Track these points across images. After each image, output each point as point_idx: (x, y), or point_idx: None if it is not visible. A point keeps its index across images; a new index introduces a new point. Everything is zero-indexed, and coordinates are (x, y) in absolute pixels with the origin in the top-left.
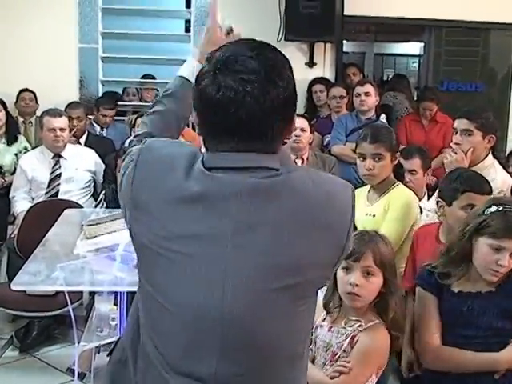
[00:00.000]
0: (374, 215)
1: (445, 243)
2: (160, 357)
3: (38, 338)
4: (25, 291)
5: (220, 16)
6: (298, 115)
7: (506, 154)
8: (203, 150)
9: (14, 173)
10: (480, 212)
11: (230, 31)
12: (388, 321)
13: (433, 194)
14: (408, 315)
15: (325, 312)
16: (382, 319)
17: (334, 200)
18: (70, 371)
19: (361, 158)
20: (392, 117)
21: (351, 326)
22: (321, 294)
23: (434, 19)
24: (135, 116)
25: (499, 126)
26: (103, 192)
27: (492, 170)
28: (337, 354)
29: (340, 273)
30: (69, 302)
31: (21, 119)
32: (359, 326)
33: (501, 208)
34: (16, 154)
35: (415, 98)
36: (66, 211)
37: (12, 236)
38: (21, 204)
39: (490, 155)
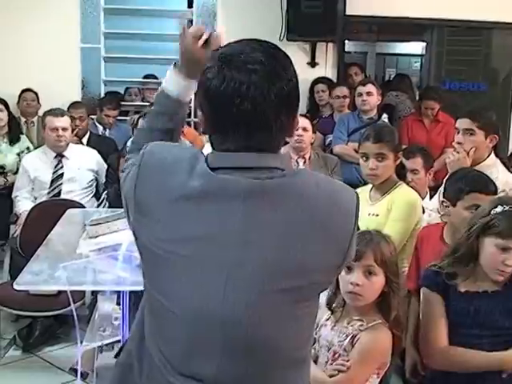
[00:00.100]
0: (377, 215)
1: (449, 244)
2: (164, 359)
3: (41, 338)
4: (28, 291)
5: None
6: (300, 115)
7: (509, 154)
8: (204, 150)
9: (16, 173)
10: (486, 212)
11: (206, 41)
12: (390, 320)
13: (435, 194)
14: (411, 315)
15: (329, 311)
16: (384, 319)
17: (337, 204)
18: (73, 371)
19: (364, 158)
20: (395, 116)
21: (353, 326)
22: (324, 293)
23: (436, 19)
24: (137, 116)
25: (501, 125)
26: (105, 192)
27: (494, 170)
28: (338, 352)
29: (342, 272)
30: (71, 302)
31: (23, 119)
32: (360, 325)
33: (507, 208)
34: (18, 154)
35: (417, 98)
36: (69, 211)
37: (14, 236)
38: (23, 204)
39: (493, 155)
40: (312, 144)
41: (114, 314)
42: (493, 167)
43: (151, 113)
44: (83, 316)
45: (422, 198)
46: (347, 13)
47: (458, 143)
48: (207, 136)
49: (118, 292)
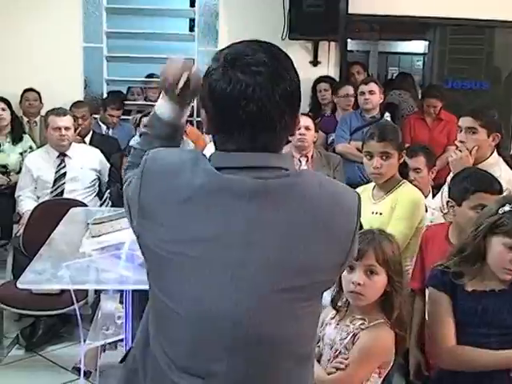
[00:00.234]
0: (380, 213)
1: (455, 244)
2: (168, 360)
3: (44, 337)
4: (30, 290)
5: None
6: (303, 114)
7: (511, 152)
8: (207, 150)
9: (19, 172)
10: (493, 211)
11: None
12: (392, 319)
13: (437, 193)
14: (415, 315)
15: (334, 310)
16: (387, 318)
17: (340, 205)
18: (76, 370)
19: (368, 157)
20: (397, 115)
21: (354, 324)
22: (328, 293)
23: (438, 17)
24: (140, 115)
25: (504, 123)
26: (108, 191)
27: (497, 168)
28: (339, 351)
29: (344, 272)
30: (75, 301)
31: (25, 119)
32: (362, 324)
33: None
34: (21, 154)
35: (420, 97)
36: (72, 210)
37: (17, 235)
38: (26, 203)
39: (495, 153)
40: (314, 143)
41: (117, 313)
42: (495, 166)
43: (146, 136)
44: (86, 315)
45: (425, 197)
46: (349, 11)
47: (461, 142)
48: (210, 135)
49: (121, 291)
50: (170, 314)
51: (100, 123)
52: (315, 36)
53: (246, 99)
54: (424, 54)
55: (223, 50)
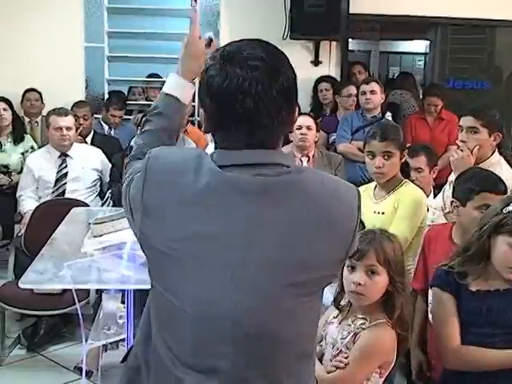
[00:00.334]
0: (383, 213)
1: (458, 244)
2: (173, 357)
3: (46, 337)
4: (32, 290)
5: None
6: (304, 113)
7: None
8: (208, 149)
9: (20, 172)
10: (498, 211)
11: (210, 42)
12: (394, 319)
13: (439, 192)
14: (417, 316)
15: (337, 309)
16: (388, 318)
17: (341, 201)
18: (78, 369)
19: (370, 156)
20: (399, 115)
21: (355, 324)
22: (331, 293)
23: (439, 17)
24: (141, 115)
25: (505, 123)
26: (110, 191)
27: (498, 168)
28: (340, 350)
29: (345, 272)
30: (76, 301)
31: (27, 119)
32: (363, 323)
33: None
34: (22, 154)
35: (421, 96)
36: (73, 210)
37: (19, 235)
38: (28, 203)
39: (496, 153)
40: (316, 142)
41: (119, 313)
42: (497, 165)
43: (152, 114)
44: (88, 315)
45: (427, 196)
46: (351, 11)
47: (462, 141)
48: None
49: (123, 290)
50: (176, 312)
51: (102, 123)
52: (316, 36)
53: (242, 93)
54: (425, 54)
55: (220, 48)
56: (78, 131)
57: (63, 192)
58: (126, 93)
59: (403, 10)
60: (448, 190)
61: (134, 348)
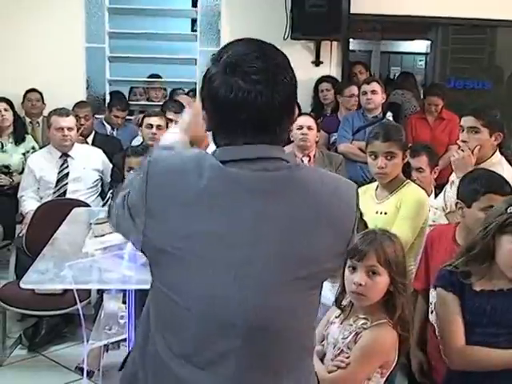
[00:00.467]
0: (385, 213)
1: (462, 245)
2: (174, 356)
3: (47, 337)
4: (33, 290)
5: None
6: (305, 113)
7: None
8: (208, 151)
9: (21, 172)
10: (502, 210)
11: None
12: (395, 319)
13: (440, 192)
14: (417, 316)
15: (339, 309)
16: (389, 318)
17: (341, 196)
18: (79, 369)
19: (372, 157)
20: (400, 115)
21: (357, 324)
22: (332, 292)
23: (440, 17)
24: (142, 115)
25: (506, 123)
26: (111, 191)
27: (499, 168)
28: (341, 349)
29: (346, 272)
30: (77, 301)
31: (28, 119)
32: (364, 323)
33: None
34: (24, 154)
35: (422, 96)
36: (74, 210)
37: (20, 235)
38: (29, 203)
39: (497, 153)
40: (317, 142)
41: (120, 313)
42: (498, 165)
43: None
44: (89, 315)
45: (428, 196)
46: (352, 11)
47: (463, 141)
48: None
49: (124, 290)
50: (180, 311)
51: (105, 123)
52: (317, 36)
53: (248, 105)
54: (426, 54)
55: (222, 51)
56: (79, 131)
57: (64, 192)
58: (127, 93)
59: (404, 10)
60: (449, 190)
61: (132, 353)
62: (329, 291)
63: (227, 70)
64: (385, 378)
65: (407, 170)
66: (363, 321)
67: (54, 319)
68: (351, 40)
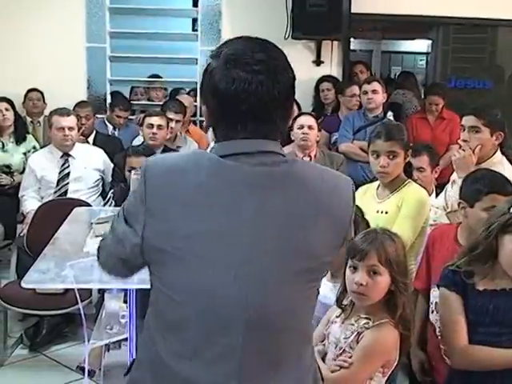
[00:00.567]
0: (386, 212)
1: (464, 245)
2: (174, 355)
3: (48, 337)
4: (34, 289)
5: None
6: (306, 113)
7: None
8: (208, 150)
9: (22, 172)
10: (505, 210)
11: None
12: (396, 319)
13: (441, 192)
14: (417, 315)
15: (340, 309)
16: (391, 317)
17: (338, 191)
18: (80, 369)
19: (374, 156)
20: (401, 115)
21: (359, 323)
22: (333, 292)
23: (441, 16)
24: (143, 115)
25: (507, 122)
26: (112, 191)
27: (500, 167)
28: (343, 349)
29: (348, 272)
30: (79, 300)
31: (29, 119)
32: (366, 323)
33: None
34: (25, 154)
35: (422, 96)
36: (75, 210)
37: (21, 235)
38: (30, 203)
39: (498, 152)
40: (318, 142)
41: (121, 312)
42: (499, 164)
43: None
44: (90, 314)
45: (429, 196)
46: (352, 11)
47: (464, 141)
48: (211, 134)
49: (125, 290)
50: (180, 311)
51: (107, 123)
52: (318, 35)
53: (248, 96)
54: (427, 53)
55: (221, 47)
56: (80, 131)
57: (65, 192)
58: (128, 93)
59: (405, 9)
60: (450, 189)
61: (136, 358)
62: (330, 291)
63: (228, 63)
64: (386, 377)
65: (408, 170)
66: (365, 320)
67: (55, 319)
68: (352, 39)
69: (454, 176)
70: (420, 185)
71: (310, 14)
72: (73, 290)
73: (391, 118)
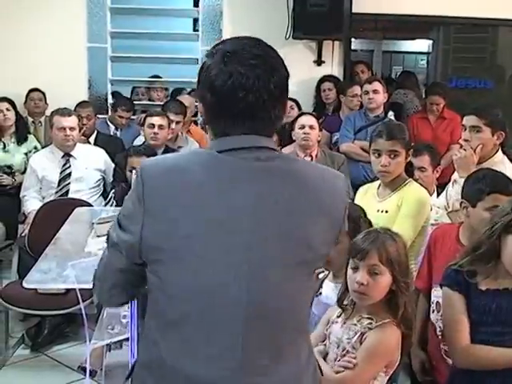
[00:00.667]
0: (386, 211)
1: (466, 245)
2: (174, 355)
3: (49, 337)
4: (36, 290)
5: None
6: (307, 113)
7: None
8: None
9: (24, 172)
10: (508, 210)
11: None
12: (397, 319)
13: (442, 191)
14: (418, 315)
15: (340, 309)
16: (392, 317)
17: (337, 191)
18: (82, 369)
19: (376, 155)
20: (402, 114)
21: (361, 323)
22: (334, 291)
23: (442, 16)
24: (144, 115)
25: (508, 122)
26: (113, 191)
27: (502, 167)
28: (346, 350)
29: (349, 271)
30: (80, 300)
31: (30, 119)
32: (369, 323)
33: None
34: (26, 154)
35: (423, 96)
36: (77, 210)
37: (23, 235)
38: (31, 203)
39: (500, 152)
40: (319, 142)
41: (123, 312)
42: (500, 164)
43: None
44: (91, 314)
45: (430, 195)
46: (353, 11)
47: (465, 140)
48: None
49: None
50: (181, 310)
51: (109, 123)
52: (319, 35)
53: (245, 90)
54: (428, 53)
55: (218, 45)
56: (82, 131)
57: (67, 192)
58: (129, 93)
59: (406, 9)
60: (451, 189)
61: (137, 361)
62: (332, 291)
63: (224, 59)
64: (388, 377)
65: (409, 169)
66: (368, 321)
67: (56, 319)
68: (353, 39)
69: (455, 176)
70: (421, 184)
71: (311, 13)
72: (74, 290)
73: (392, 117)
